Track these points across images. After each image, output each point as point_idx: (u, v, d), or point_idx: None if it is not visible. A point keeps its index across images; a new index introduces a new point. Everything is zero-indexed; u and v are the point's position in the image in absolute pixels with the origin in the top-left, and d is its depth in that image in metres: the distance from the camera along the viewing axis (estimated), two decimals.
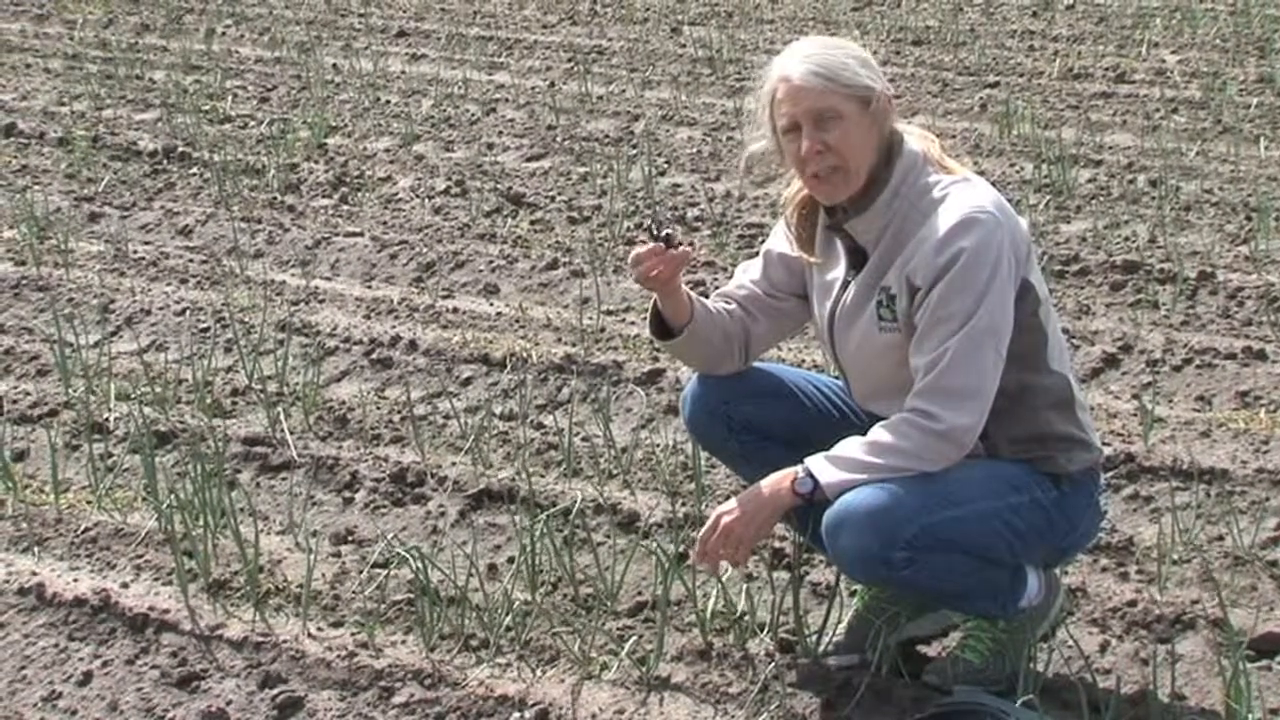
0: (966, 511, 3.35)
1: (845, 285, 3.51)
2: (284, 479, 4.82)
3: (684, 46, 11.00)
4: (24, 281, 6.56)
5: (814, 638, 3.75)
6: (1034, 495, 3.43)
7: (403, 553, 4.05)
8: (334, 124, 8.99)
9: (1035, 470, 3.46)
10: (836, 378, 3.78)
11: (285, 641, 3.87)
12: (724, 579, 3.88)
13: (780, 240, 3.70)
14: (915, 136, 3.50)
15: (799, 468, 3.41)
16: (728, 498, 4.24)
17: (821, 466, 3.38)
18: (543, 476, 4.73)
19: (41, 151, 8.65)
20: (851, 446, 3.39)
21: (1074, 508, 3.49)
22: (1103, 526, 3.81)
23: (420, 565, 3.93)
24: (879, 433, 3.38)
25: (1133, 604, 3.95)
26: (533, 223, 7.24)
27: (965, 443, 3.35)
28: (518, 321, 6.03)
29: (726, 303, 3.71)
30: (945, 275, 3.31)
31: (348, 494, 4.71)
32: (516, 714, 3.58)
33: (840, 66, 3.41)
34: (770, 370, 3.83)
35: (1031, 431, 3.45)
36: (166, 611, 4.01)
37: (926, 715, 3.45)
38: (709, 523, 3.48)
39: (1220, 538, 4.30)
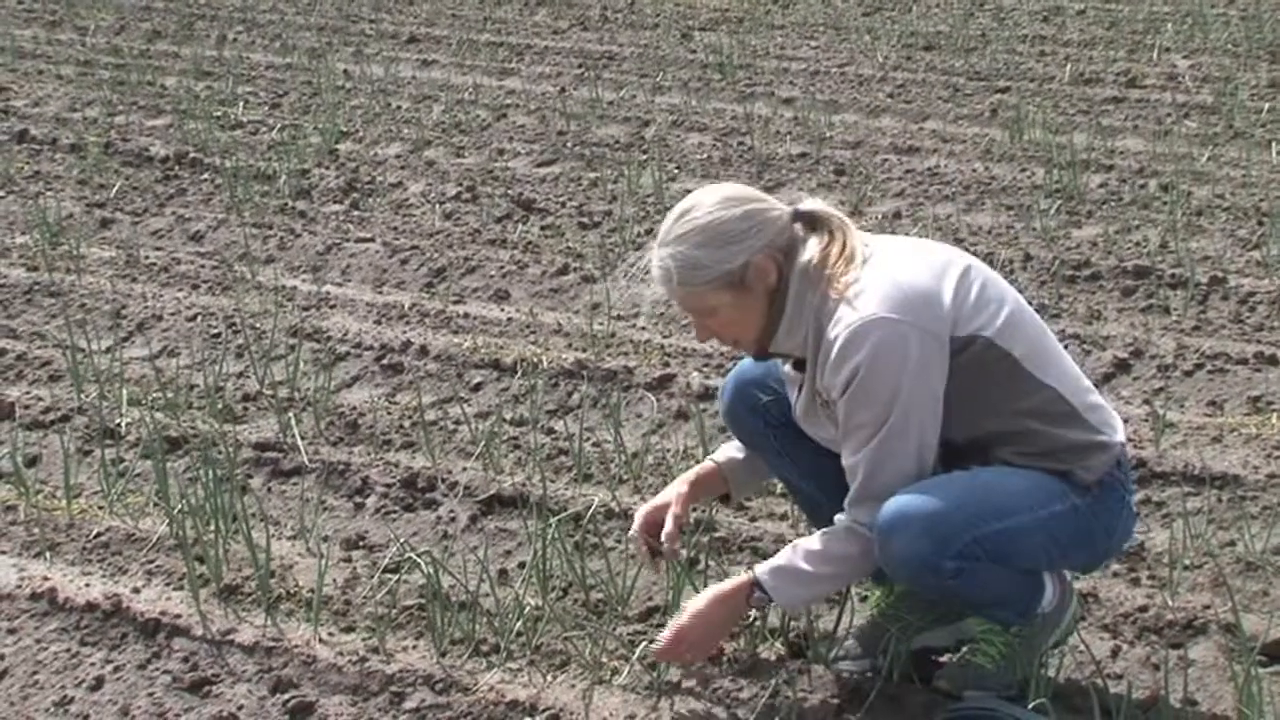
0: (1013, 524, 3.36)
1: (800, 385, 3.57)
2: (295, 484, 4.82)
3: (694, 52, 11.01)
4: (36, 287, 6.57)
5: (825, 643, 3.75)
6: (1073, 503, 3.43)
7: (414, 558, 4.05)
8: (345, 130, 9.01)
9: (1066, 479, 3.45)
10: None
11: (296, 647, 3.87)
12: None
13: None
14: (810, 242, 3.42)
15: (750, 577, 3.50)
16: (738, 508, 4.27)
17: (774, 583, 3.48)
18: (554, 482, 4.73)
19: (54, 158, 8.67)
20: (800, 556, 3.47)
21: (1108, 512, 3.47)
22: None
23: (431, 570, 3.93)
24: (825, 541, 3.46)
25: (1144, 609, 3.95)
26: (543, 228, 7.24)
27: None
28: (528, 327, 6.03)
29: (738, 451, 3.85)
30: (847, 391, 3.34)
31: (359, 499, 4.71)
32: (527, 719, 3.58)
33: (691, 267, 3.37)
34: None
35: (1040, 447, 3.42)
36: (178, 617, 4.01)
37: None
38: (667, 632, 3.57)
39: (1232, 543, 4.29)
